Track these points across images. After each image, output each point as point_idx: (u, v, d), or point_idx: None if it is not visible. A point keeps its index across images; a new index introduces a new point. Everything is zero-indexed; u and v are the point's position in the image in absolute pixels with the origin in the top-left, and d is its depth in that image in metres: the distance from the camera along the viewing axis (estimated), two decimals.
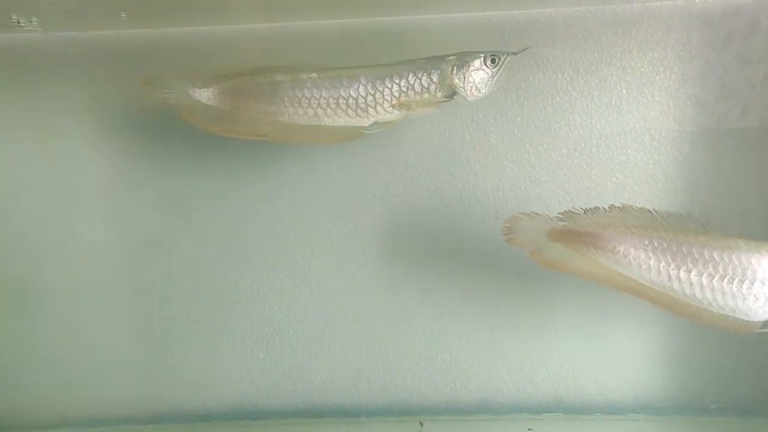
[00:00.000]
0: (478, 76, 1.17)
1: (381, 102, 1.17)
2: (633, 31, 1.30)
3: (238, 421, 1.45)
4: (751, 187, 1.34)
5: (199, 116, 1.19)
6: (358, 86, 1.17)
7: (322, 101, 1.17)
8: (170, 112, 1.21)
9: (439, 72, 1.17)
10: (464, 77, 1.17)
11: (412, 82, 1.17)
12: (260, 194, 1.40)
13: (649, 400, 1.43)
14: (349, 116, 1.18)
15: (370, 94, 1.17)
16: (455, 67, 1.17)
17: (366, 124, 1.19)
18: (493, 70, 1.18)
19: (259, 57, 1.34)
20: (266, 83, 1.19)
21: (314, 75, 1.18)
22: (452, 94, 1.18)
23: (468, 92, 1.17)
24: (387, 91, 1.17)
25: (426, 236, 1.40)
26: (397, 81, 1.17)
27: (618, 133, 1.34)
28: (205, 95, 1.18)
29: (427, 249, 1.41)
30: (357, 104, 1.17)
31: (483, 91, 1.18)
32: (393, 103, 1.17)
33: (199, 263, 1.42)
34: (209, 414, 1.46)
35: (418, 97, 1.17)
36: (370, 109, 1.17)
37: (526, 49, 1.23)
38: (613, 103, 1.33)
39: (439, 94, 1.18)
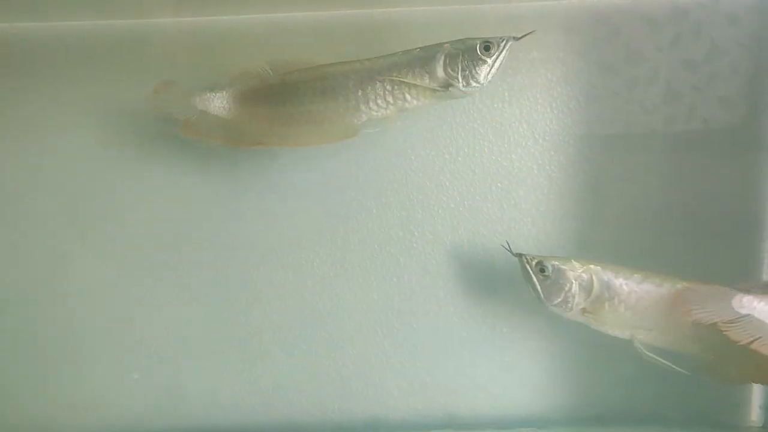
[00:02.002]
0: (472, 65, 1.09)
1: (374, 97, 1.11)
2: (513, 31, 1.26)
3: None
4: (637, 191, 1.31)
5: (199, 129, 1.16)
6: (349, 82, 1.11)
7: (316, 100, 1.13)
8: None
9: (432, 62, 1.10)
10: (458, 67, 1.09)
11: (404, 73, 1.10)
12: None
13: (543, 413, 1.37)
14: (343, 114, 1.13)
15: (362, 89, 1.11)
16: (448, 56, 1.10)
17: (360, 121, 1.13)
18: (490, 59, 1.10)
19: (249, 52, 1.25)
20: (264, 87, 1.16)
21: (306, 74, 1.14)
22: (447, 85, 1.11)
23: (462, 82, 1.10)
24: (379, 85, 1.11)
25: (309, 245, 1.34)
26: (389, 73, 1.10)
27: (502, 137, 1.29)
28: (211, 105, 1.16)
29: (311, 262, 1.34)
30: (349, 100, 1.12)
31: (480, 81, 1.10)
32: (387, 97, 1.11)
33: (67, 276, 1.34)
34: None
35: (411, 90, 1.11)
36: (362, 105, 1.12)
37: (531, 33, 1.13)
38: (496, 105, 1.29)
39: (433, 85, 1.11)
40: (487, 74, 1.10)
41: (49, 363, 1.36)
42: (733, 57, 1.27)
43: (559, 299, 1.11)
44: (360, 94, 1.11)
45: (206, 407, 1.37)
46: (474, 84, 1.10)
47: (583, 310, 1.11)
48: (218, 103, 1.16)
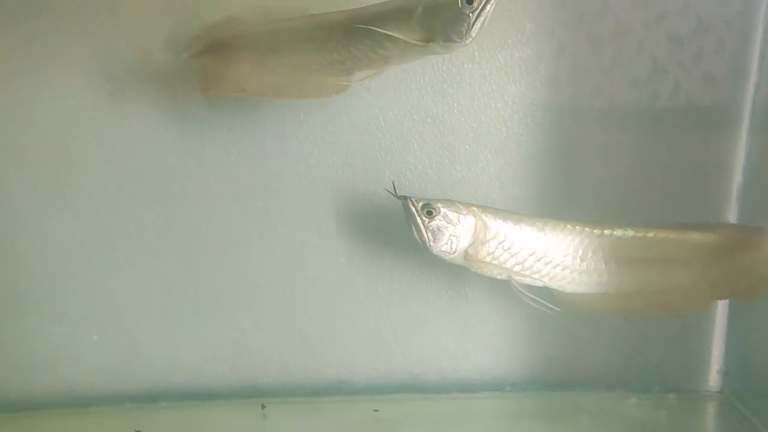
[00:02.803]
0: (452, 20, 1.01)
1: (358, 50, 1.06)
2: None
3: (71, 408, 1.33)
4: (606, 158, 1.30)
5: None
6: (334, 33, 1.06)
7: (302, 51, 1.08)
8: None
9: (412, 14, 1.03)
10: (438, 20, 1.02)
11: (384, 25, 1.03)
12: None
13: (507, 377, 1.38)
14: (329, 66, 1.08)
15: (347, 41, 1.06)
16: (427, 9, 1.03)
17: (349, 75, 1.09)
18: (472, 14, 1.01)
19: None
20: (249, 34, 1.11)
21: (293, 23, 1.09)
22: (427, 39, 1.03)
23: (441, 38, 1.03)
24: (363, 38, 1.05)
25: (272, 204, 1.31)
26: (371, 24, 1.04)
27: (471, 98, 1.27)
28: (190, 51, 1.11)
29: (275, 220, 1.31)
30: (334, 53, 1.07)
31: (461, 38, 1.02)
32: (371, 51, 1.06)
33: (22, 229, 1.29)
34: (36, 401, 1.33)
35: (394, 44, 1.04)
36: (347, 59, 1.07)
37: None
38: (466, 66, 1.26)
39: (413, 40, 1.03)
40: (468, 30, 1.03)
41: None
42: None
43: (443, 242, 1.11)
44: (345, 46, 1.06)
45: (167, 370, 1.36)
46: (455, 40, 1.03)
47: (466, 254, 1.12)
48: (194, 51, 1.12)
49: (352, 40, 1.06)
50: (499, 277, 1.14)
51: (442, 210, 1.11)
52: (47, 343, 1.33)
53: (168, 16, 1.20)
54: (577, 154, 1.30)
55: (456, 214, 1.11)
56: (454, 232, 1.11)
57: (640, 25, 1.24)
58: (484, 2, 1.02)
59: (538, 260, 1.12)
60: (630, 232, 1.13)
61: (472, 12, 1.02)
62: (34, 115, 1.25)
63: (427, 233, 1.11)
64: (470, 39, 1.03)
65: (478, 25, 1.03)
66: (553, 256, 1.12)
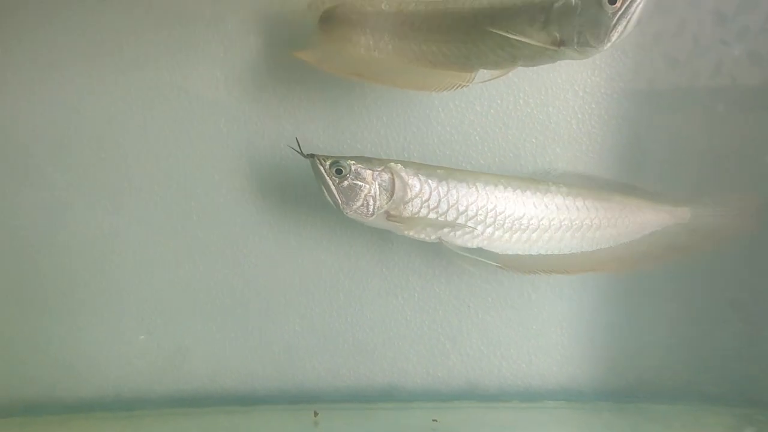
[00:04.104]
0: (590, 20, 0.88)
1: (486, 46, 0.96)
2: None
3: (116, 411, 1.29)
4: (682, 149, 1.20)
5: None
6: (463, 25, 0.97)
7: (428, 40, 1.00)
8: None
9: (547, 12, 0.91)
10: (573, 20, 0.89)
11: (513, 24, 0.93)
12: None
13: (572, 386, 1.30)
14: (455, 59, 0.99)
15: (475, 35, 0.96)
16: (563, 7, 0.90)
17: (473, 70, 0.99)
18: (615, 14, 0.88)
19: None
20: (372, 13, 1.02)
21: (421, 8, 1.00)
22: (559, 42, 0.91)
23: (577, 42, 0.90)
24: (495, 36, 0.94)
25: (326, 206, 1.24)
26: (503, 21, 0.94)
27: (538, 88, 1.18)
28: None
29: (325, 219, 1.25)
30: (462, 46, 0.98)
31: (601, 43, 0.89)
32: (499, 48, 0.96)
33: (71, 225, 1.24)
34: (83, 403, 1.29)
35: (521, 44, 0.93)
36: (473, 58, 0.98)
37: None
38: None
39: (542, 42, 0.92)
40: (607, 35, 0.89)
41: (49, 321, 1.28)
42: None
43: (359, 203, 1.02)
44: (473, 40, 0.97)
45: (214, 373, 1.30)
46: (592, 45, 0.90)
47: (387, 215, 1.02)
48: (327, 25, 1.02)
49: (480, 35, 0.96)
50: (427, 239, 1.05)
51: (354, 167, 1.01)
52: (94, 343, 1.29)
53: None
54: (650, 147, 1.21)
55: (369, 171, 1.01)
56: (369, 192, 1.01)
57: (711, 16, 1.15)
58: (628, 2, 0.88)
59: (470, 220, 1.03)
60: (564, 189, 1.07)
61: (614, 13, 0.88)
62: (82, 110, 1.21)
63: (338, 194, 1.01)
64: (609, 44, 0.90)
65: (619, 28, 0.89)
66: (487, 215, 1.04)
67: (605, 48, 0.90)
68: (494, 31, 0.94)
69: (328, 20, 1.04)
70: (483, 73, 1.02)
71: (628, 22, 0.89)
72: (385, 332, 1.29)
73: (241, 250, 1.26)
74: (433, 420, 1.20)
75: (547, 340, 1.29)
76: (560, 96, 1.18)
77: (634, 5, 0.88)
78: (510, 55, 0.96)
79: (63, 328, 1.28)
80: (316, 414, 1.23)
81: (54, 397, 1.31)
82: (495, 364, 1.30)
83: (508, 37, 0.93)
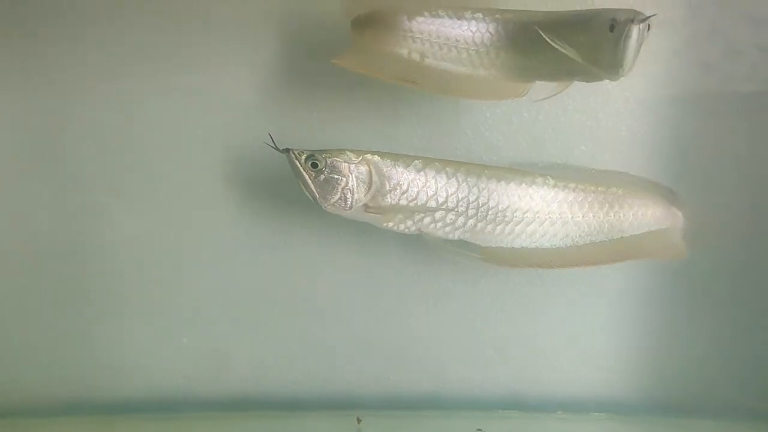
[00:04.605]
0: (633, 44, 0.88)
1: (541, 59, 0.96)
2: None
3: (156, 413, 1.29)
4: (737, 159, 1.18)
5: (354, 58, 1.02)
6: (522, 35, 0.96)
7: (480, 48, 0.99)
8: None
9: (590, 30, 0.91)
10: (622, 43, 0.88)
11: (570, 36, 0.92)
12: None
13: (618, 398, 1.27)
14: (511, 69, 0.98)
15: (533, 48, 0.96)
16: (609, 27, 0.89)
17: (528, 82, 0.98)
18: (619, 40, 0.89)
19: None
20: (427, 18, 1.00)
21: (479, 15, 0.99)
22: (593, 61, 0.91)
23: (597, 64, 0.91)
24: (552, 47, 0.93)
25: None
26: (556, 33, 0.93)
27: (587, 94, 1.17)
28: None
29: (362, 225, 1.23)
30: (515, 58, 0.97)
31: (613, 70, 0.90)
32: (552, 63, 0.95)
33: (112, 227, 1.25)
34: (123, 404, 1.29)
35: (571, 59, 0.93)
36: (529, 70, 0.97)
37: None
38: None
39: (589, 60, 0.91)
40: (616, 62, 0.90)
41: (91, 323, 1.28)
42: None
43: (336, 197, 1.00)
44: (533, 51, 0.96)
45: (256, 375, 1.30)
46: (605, 69, 0.91)
47: (366, 207, 1.01)
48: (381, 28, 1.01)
49: (537, 46, 0.95)
50: (407, 231, 1.03)
51: (329, 161, 1.00)
52: (136, 344, 1.29)
53: None
54: (703, 156, 1.19)
55: (346, 164, 1.00)
56: (346, 185, 1.00)
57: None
58: (625, 31, 0.88)
59: (450, 211, 1.02)
60: (551, 181, 1.04)
61: (616, 39, 0.89)
62: (116, 114, 1.22)
63: (315, 188, 1.00)
64: (623, 71, 0.90)
65: (629, 55, 0.89)
66: (468, 205, 1.02)
67: (621, 75, 0.91)
68: (545, 38, 0.93)
69: (372, 25, 1.03)
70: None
71: (635, 49, 0.89)
72: (427, 339, 1.28)
73: (282, 254, 1.26)
74: (478, 429, 1.19)
75: (592, 350, 1.27)
76: (611, 103, 1.17)
77: (633, 34, 0.88)
78: (566, 71, 0.96)
79: (105, 330, 1.28)
80: (359, 420, 1.22)
81: (95, 397, 1.31)
82: (539, 374, 1.28)
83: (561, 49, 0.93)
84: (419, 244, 1.23)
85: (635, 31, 0.88)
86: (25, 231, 1.25)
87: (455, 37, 1.00)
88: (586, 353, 1.27)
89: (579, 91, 1.17)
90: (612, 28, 0.89)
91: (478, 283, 1.26)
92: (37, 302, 1.27)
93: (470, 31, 0.99)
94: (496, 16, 0.99)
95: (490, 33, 0.99)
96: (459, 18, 1.00)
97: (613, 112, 1.17)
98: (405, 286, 1.27)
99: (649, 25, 0.90)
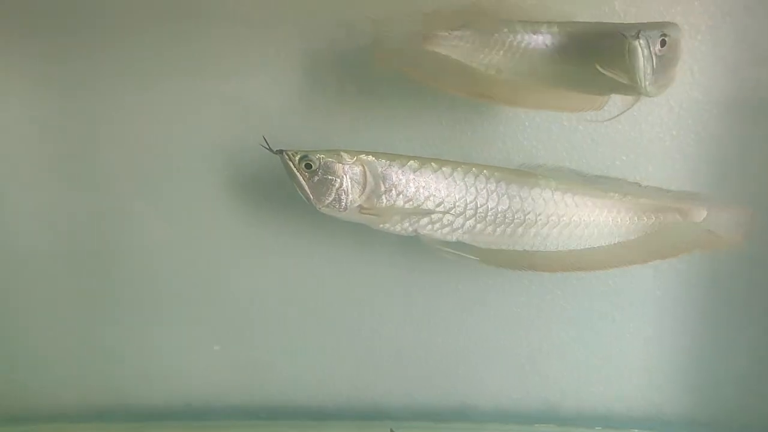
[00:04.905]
0: (641, 58, 0.90)
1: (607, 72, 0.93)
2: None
3: (187, 421, 1.29)
4: None
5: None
6: (588, 47, 0.95)
7: (559, 61, 0.97)
8: None
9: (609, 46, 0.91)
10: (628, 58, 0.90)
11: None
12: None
13: (656, 414, 1.25)
14: (582, 84, 0.97)
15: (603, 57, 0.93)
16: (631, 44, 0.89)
17: (603, 94, 0.97)
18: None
19: None
20: (500, 32, 0.98)
21: (554, 28, 0.97)
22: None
23: (639, 78, 0.91)
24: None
25: None
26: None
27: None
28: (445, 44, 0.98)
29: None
30: (585, 70, 0.95)
31: (639, 84, 0.91)
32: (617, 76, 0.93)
33: (145, 233, 1.24)
34: (154, 411, 1.29)
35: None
36: (599, 82, 0.95)
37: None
38: None
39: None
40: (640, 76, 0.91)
41: (122, 329, 1.28)
42: None
43: (331, 198, 0.98)
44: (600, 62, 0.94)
45: (286, 385, 1.29)
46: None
47: (361, 208, 0.99)
48: (453, 43, 0.98)
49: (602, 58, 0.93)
50: (404, 233, 1.01)
51: (323, 161, 0.98)
52: (166, 352, 1.29)
53: None
54: (748, 164, 1.15)
55: (340, 165, 0.98)
56: (341, 186, 0.98)
57: None
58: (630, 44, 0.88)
59: (448, 212, 0.99)
60: (553, 183, 1.02)
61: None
62: (143, 118, 1.20)
63: (309, 189, 0.98)
64: (646, 84, 0.91)
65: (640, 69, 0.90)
66: (466, 206, 0.99)
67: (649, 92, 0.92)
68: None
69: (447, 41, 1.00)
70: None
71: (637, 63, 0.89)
72: (460, 350, 1.26)
73: (315, 262, 1.24)
74: None
75: (629, 364, 1.24)
76: (654, 111, 1.13)
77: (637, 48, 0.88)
78: (628, 86, 0.93)
79: (136, 337, 1.28)
80: (392, 431, 1.20)
81: (125, 404, 1.31)
82: (576, 387, 1.25)
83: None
84: (454, 249, 1.21)
85: (638, 45, 0.88)
86: (59, 236, 1.24)
87: (531, 50, 0.98)
88: (624, 367, 1.24)
89: (622, 100, 1.13)
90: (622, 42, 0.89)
91: (512, 295, 1.23)
92: (70, 308, 1.27)
93: (545, 44, 0.97)
94: (567, 28, 0.97)
95: (561, 45, 0.97)
96: (535, 32, 0.98)
97: (657, 121, 1.14)
98: (438, 297, 1.25)
99: (664, 39, 0.89)
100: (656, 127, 1.14)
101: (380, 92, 1.16)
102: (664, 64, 0.92)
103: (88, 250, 1.25)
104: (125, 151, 1.22)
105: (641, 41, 0.88)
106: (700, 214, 1.05)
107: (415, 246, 1.17)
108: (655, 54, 0.89)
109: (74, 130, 1.21)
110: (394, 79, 1.09)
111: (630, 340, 1.23)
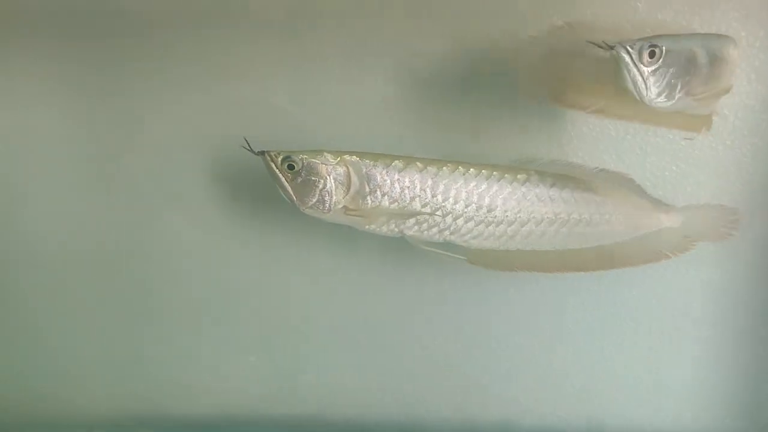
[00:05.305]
0: (626, 68, 0.90)
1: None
2: None
3: (223, 431, 1.28)
4: None
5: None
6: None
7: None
8: None
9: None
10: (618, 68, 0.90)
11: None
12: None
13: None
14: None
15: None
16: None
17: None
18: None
19: None
20: None
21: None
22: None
23: (629, 88, 0.90)
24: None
25: None
26: None
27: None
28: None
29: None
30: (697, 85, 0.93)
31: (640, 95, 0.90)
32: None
33: (180, 241, 1.23)
34: (191, 421, 1.29)
35: None
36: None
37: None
38: None
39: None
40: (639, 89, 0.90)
41: (160, 340, 1.28)
42: None
43: (314, 199, 0.96)
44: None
45: (325, 399, 1.27)
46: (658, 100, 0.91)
47: (345, 209, 0.96)
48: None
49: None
50: (389, 234, 0.99)
51: (306, 162, 0.96)
52: (204, 362, 1.28)
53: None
54: None
55: (324, 165, 0.96)
56: (324, 187, 0.96)
57: None
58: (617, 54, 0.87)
59: (436, 211, 0.97)
60: (549, 179, 0.99)
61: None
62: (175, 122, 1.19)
63: (292, 191, 0.96)
64: (646, 97, 0.89)
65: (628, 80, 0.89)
66: (454, 205, 0.96)
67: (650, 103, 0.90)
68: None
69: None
70: None
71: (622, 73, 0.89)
72: (505, 366, 1.23)
73: (359, 275, 1.23)
74: None
75: (682, 383, 1.20)
76: None
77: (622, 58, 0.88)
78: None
79: (174, 347, 1.28)
80: None
81: (163, 414, 1.31)
82: (620, 405, 1.22)
83: None
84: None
85: (623, 55, 0.88)
86: (96, 242, 1.25)
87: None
88: (670, 387, 1.20)
89: None
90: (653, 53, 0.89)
91: (562, 313, 1.20)
92: (108, 317, 1.27)
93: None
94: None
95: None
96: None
97: (710, 131, 1.08)
98: (485, 314, 1.22)
99: (654, 50, 0.88)
100: (708, 137, 1.09)
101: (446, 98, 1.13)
102: (666, 75, 0.90)
103: (128, 258, 1.25)
104: (161, 157, 1.21)
105: (623, 53, 0.88)
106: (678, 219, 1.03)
107: (461, 264, 1.16)
108: (644, 65, 0.89)
109: (110, 134, 1.20)
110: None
111: (678, 358, 1.19)
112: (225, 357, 1.28)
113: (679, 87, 0.91)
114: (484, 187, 0.98)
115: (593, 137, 1.12)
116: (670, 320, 1.18)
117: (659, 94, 0.90)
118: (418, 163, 0.97)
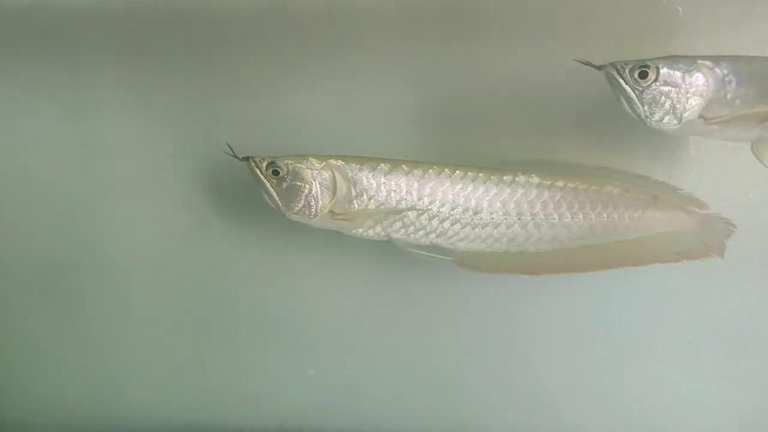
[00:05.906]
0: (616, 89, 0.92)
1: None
2: None
3: None
4: None
5: None
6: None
7: None
8: None
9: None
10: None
11: None
12: None
13: None
14: None
15: None
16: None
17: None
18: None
19: None
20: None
21: None
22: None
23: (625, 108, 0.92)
24: None
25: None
26: None
27: None
28: None
29: None
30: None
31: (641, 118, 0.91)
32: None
33: (238, 250, 1.22)
34: None
35: None
36: None
37: None
38: None
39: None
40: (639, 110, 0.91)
41: (217, 351, 1.27)
42: None
43: (300, 205, 0.95)
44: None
45: (383, 412, 1.26)
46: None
47: (332, 214, 0.95)
48: None
49: None
50: (376, 237, 0.97)
51: (291, 167, 0.95)
52: (261, 374, 1.28)
53: None
54: None
55: (309, 170, 0.95)
56: (310, 192, 0.95)
57: None
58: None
59: (421, 215, 0.95)
60: (535, 179, 0.96)
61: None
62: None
63: (277, 196, 0.95)
64: (648, 121, 0.91)
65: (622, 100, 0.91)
66: (440, 208, 0.95)
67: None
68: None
69: None
70: None
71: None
72: (564, 383, 1.22)
73: (412, 287, 1.21)
74: None
75: (715, 404, 1.19)
76: None
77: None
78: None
79: (230, 358, 1.28)
80: None
81: (217, 425, 1.30)
82: (680, 425, 1.20)
83: None
84: (562, 287, 1.17)
85: (612, 73, 0.89)
86: (158, 251, 1.24)
87: None
88: (711, 407, 1.19)
89: None
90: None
91: (622, 330, 1.19)
92: (168, 328, 1.27)
93: None
94: None
95: None
96: None
97: None
98: (542, 330, 1.21)
99: (645, 71, 0.88)
100: None
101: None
102: (664, 96, 0.89)
103: (180, 271, 1.25)
104: (208, 166, 1.20)
105: (612, 72, 0.89)
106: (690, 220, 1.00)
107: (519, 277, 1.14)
108: (632, 84, 0.89)
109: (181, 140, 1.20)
110: None
111: (756, 379, 1.18)
112: (284, 370, 1.27)
113: (685, 109, 0.90)
114: (470, 189, 0.96)
115: (671, 157, 1.11)
116: (711, 342, 1.16)
117: (662, 116, 0.90)
118: (404, 166, 0.96)
